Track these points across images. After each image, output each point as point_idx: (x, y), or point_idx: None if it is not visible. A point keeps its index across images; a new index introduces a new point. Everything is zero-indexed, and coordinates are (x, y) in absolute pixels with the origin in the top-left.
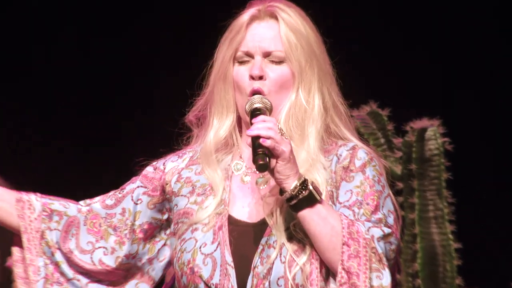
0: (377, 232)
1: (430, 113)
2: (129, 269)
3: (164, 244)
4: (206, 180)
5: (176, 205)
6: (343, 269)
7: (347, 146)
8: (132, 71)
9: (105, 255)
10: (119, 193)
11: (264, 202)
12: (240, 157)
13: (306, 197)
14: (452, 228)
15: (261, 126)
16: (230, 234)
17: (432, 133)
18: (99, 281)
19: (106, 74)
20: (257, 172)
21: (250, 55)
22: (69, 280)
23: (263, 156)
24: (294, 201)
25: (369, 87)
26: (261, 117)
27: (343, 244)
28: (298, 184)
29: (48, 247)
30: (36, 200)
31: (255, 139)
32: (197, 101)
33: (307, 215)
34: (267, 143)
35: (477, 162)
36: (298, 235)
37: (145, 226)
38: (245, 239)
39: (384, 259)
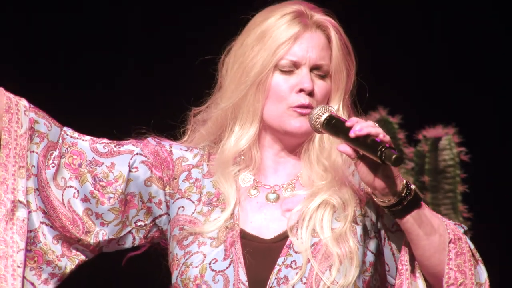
0: (460, 228)
1: (445, 120)
2: (89, 232)
3: (129, 232)
4: (212, 188)
5: (182, 207)
6: (451, 268)
7: None
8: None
9: (75, 198)
10: (115, 146)
11: (288, 218)
12: (259, 169)
13: (414, 197)
14: None
15: (364, 125)
16: (243, 250)
17: (447, 142)
18: (52, 227)
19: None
20: (393, 166)
21: (297, 66)
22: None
23: (392, 149)
24: (404, 203)
25: (378, 91)
26: (355, 118)
27: (450, 242)
28: (404, 185)
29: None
30: (24, 114)
31: (365, 138)
32: (213, 99)
33: (415, 217)
34: (387, 138)
35: (495, 174)
36: (322, 254)
37: (128, 197)
38: (259, 257)
39: (477, 254)
